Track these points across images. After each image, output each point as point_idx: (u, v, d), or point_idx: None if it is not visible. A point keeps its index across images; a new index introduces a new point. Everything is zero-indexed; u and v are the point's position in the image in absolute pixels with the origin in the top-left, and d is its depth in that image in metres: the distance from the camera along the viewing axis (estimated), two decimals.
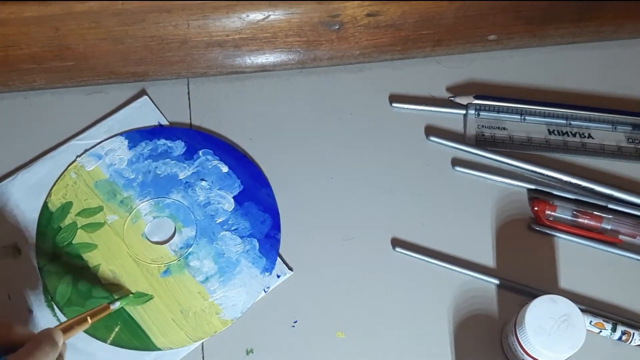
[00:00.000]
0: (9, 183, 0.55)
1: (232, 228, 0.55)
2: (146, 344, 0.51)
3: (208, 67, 0.59)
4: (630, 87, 0.61)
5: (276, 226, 0.55)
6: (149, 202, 0.55)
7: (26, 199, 0.55)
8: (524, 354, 0.47)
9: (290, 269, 0.54)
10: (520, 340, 0.47)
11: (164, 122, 0.59)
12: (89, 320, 0.47)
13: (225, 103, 0.60)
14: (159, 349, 0.51)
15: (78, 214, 0.54)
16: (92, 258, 0.53)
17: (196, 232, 0.54)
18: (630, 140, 0.59)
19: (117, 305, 0.50)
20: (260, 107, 0.60)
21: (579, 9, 0.59)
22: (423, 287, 0.53)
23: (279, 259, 0.54)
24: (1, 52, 0.55)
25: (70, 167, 0.56)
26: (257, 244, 0.54)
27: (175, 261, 0.53)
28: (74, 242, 0.53)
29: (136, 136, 0.58)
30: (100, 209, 0.55)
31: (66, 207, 0.55)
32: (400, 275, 0.54)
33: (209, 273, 0.53)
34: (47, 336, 0.42)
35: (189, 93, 0.60)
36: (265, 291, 0.53)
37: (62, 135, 0.58)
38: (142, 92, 0.60)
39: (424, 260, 0.54)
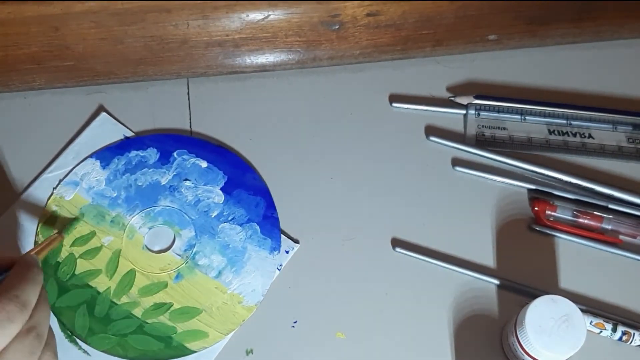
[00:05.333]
0: None
1: (229, 218, 0.55)
2: (181, 351, 0.50)
3: (208, 67, 0.59)
4: (630, 87, 0.61)
5: (271, 206, 0.55)
6: (139, 214, 0.55)
7: (15, 244, 0.54)
8: (524, 354, 0.47)
9: (296, 241, 0.54)
10: (521, 341, 0.47)
11: (129, 134, 0.58)
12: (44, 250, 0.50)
13: (225, 103, 0.60)
14: (194, 352, 0.51)
15: (72, 245, 0.54)
16: (100, 283, 0.53)
17: (195, 232, 0.54)
18: (631, 140, 0.59)
19: (65, 231, 0.52)
20: (260, 107, 0.60)
21: (579, 9, 0.59)
22: (423, 287, 0.53)
23: (282, 235, 0.54)
24: (1, 52, 0.55)
25: (49, 202, 0.55)
26: (257, 227, 0.55)
27: (184, 264, 0.53)
28: (76, 272, 0.53)
29: (106, 154, 0.57)
30: (93, 234, 0.54)
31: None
32: (400, 275, 0.54)
33: (219, 267, 0.53)
34: (31, 259, 0.44)
35: (188, 93, 0.60)
36: (279, 269, 0.53)
37: (63, 136, 0.58)
38: (100, 109, 0.59)
39: (424, 260, 0.54)
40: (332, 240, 0.55)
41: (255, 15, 0.55)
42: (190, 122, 0.59)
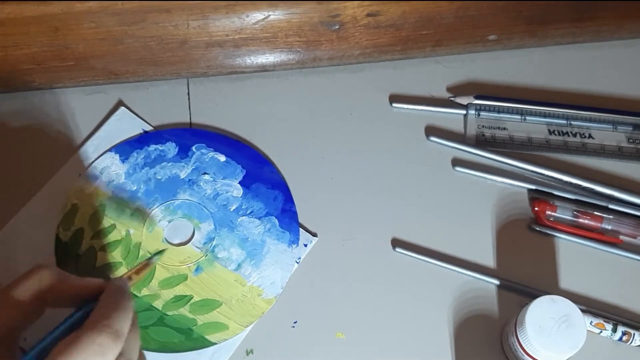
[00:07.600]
0: (10, 227, 0.54)
1: (248, 212, 0.55)
2: (201, 342, 0.51)
3: (208, 67, 0.59)
4: (630, 87, 0.61)
5: (289, 199, 0.56)
6: (159, 208, 0.55)
7: (36, 237, 0.54)
8: (524, 354, 0.47)
9: (315, 235, 0.55)
10: (521, 341, 0.47)
11: (148, 128, 0.58)
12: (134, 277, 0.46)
13: (225, 103, 0.60)
14: (214, 343, 0.51)
15: (92, 238, 0.54)
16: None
17: (214, 225, 0.55)
18: (631, 141, 0.59)
19: (155, 259, 0.50)
20: (260, 107, 0.60)
21: (579, 9, 0.59)
22: (423, 287, 0.53)
23: (301, 229, 0.55)
24: (1, 52, 0.55)
25: (69, 195, 0.55)
26: (276, 221, 0.55)
27: (203, 257, 0.54)
28: (97, 265, 0.53)
29: (125, 148, 0.57)
30: (113, 227, 0.54)
31: (78, 234, 0.54)
32: (400, 275, 0.54)
33: (239, 260, 0.54)
34: (122, 284, 0.40)
35: (188, 93, 0.60)
36: (297, 262, 0.54)
37: (62, 137, 0.58)
38: (119, 104, 0.59)
39: (424, 260, 0.54)
40: (332, 240, 0.55)
41: (256, 16, 0.55)
42: (190, 123, 0.59)
